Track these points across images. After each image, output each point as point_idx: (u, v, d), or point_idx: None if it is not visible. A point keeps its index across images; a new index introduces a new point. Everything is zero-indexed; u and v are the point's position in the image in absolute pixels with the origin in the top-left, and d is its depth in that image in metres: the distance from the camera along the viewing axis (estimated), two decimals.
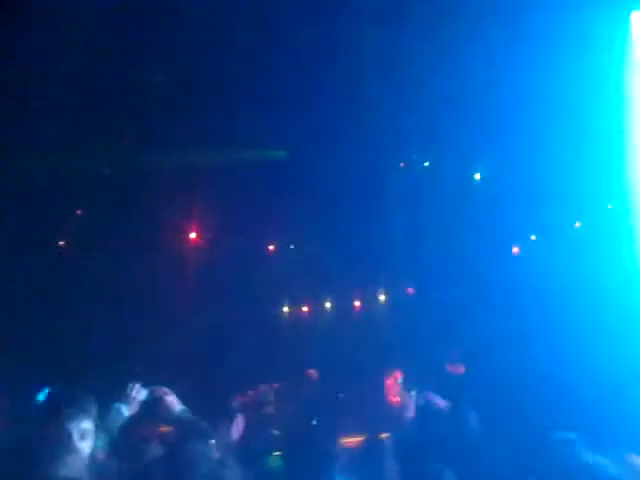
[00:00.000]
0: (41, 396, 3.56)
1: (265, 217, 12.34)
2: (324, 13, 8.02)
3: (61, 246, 12.11)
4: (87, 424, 3.01)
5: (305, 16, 8.02)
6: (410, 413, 5.09)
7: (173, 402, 3.78)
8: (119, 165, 10.93)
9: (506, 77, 8.75)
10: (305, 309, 14.76)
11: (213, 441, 3.51)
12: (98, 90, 8.85)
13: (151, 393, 3.81)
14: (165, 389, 3.83)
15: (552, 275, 10.80)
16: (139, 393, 3.56)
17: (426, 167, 11.59)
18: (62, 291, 11.00)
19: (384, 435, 8.45)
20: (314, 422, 8.79)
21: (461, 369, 12.08)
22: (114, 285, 11.39)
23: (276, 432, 6.67)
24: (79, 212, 11.82)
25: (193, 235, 12.42)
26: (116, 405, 3.44)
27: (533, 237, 13.07)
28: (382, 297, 14.53)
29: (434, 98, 9.25)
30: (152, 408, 3.80)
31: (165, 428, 4.09)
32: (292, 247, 13.65)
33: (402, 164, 11.54)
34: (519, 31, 8.01)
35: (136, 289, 11.45)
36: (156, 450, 3.40)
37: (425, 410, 4.83)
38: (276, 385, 8.59)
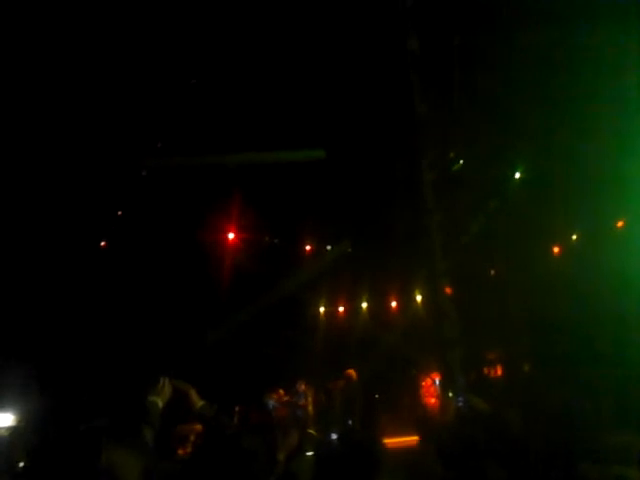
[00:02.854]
0: None
1: None
2: None
3: None
4: None
5: None
6: (451, 415, 4.98)
7: (196, 397, 3.81)
8: None
9: None
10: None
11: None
12: None
13: (176, 388, 3.85)
14: (188, 384, 3.87)
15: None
16: (168, 388, 3.59)
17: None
18: None
19: (421, 436, 8.37)
20: (350, 422, 8.78)
21: (499, 371, 11.93)
22: None
23: (312, 432, 6.62)
24: None
25: None
26: (153, 398, 3.48)
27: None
28: (419, 298, 14.43)
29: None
30: (178, 402, 3.86)
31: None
32: None
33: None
34: None
35: None
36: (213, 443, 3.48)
37: (466, 412, 4.73)
38: (311, 386, 8.58)
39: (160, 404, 3.53)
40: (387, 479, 3.66)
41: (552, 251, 13.26)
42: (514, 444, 3.69)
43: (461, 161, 11.09)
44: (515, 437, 3.80)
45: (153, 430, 3.38)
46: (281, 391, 8.83)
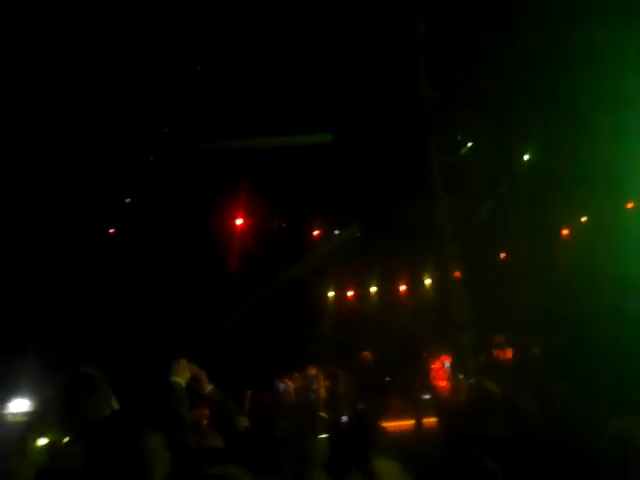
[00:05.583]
0: None
1: None
2: None
3: None
4: None
5: None
6: (463, 397, 4.98)
7: (206, 381, 3.85)
8: None
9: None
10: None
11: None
12: None
13: (190, 370, 3.89)
14: (199, 368, 3.90)
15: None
16: (187, 368, 3.63)
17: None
18: None
19: (432, 419, 8.42)
20: (361, 406, 8.83)
21: (509, 353, 11.93)
22: None
23: (323, 415, 6.67)
24: None
25: None
26: (176, 378, 3.53)
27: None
28: (428, 282, 14.44)
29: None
30: (188, 386, 3.90)
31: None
32: None
33: None
34: None
35: None
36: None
37: (478, 394, 4.73)
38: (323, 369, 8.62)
39: (183, 384, 3.58)
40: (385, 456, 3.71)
41: (561, 234, 13.22)
42: (528, 429, 3.70)
43: (469, 144, 11.03)
44: (529, 422, 3.80)
45: (186, 407, 3.45)
46: (296, 375, 8.90)
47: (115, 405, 3.35)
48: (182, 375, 3.60)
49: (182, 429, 3.28)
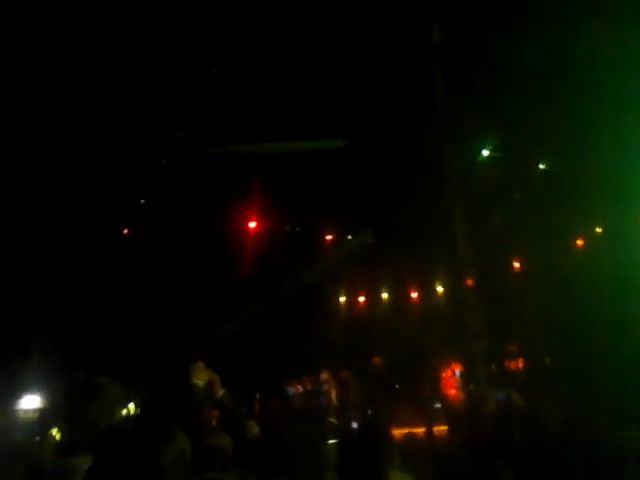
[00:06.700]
0: None
1: None
2: None
3: None
4: None
5: None
6: (489, 409, 4.90)
7: (219, 385, 3.87)
8: None
9: None
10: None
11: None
12: None
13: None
14: (213, 372, 3.91)
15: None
16: (204, 371, 3.67)
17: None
18: None
19: (442, 428, 8.37)
20: (369, 412, 8.80)
21: (520, 364, 11.84)
22: None
23: (332, 420, 6.66)
24: None
25: None
26: (195, 380, 3.56)
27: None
28: (440, 289, 14.38)
29: None
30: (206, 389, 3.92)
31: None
32: None
33: None
34: None
35: None
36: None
37: (506, 408, 4.67)
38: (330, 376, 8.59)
39: (202, 386, 3.61)
40: (398, 467, 3.69)
41: (575, 244, 13.14)
42: (552, 441, 3.67)
43: (485, 151, 10.99)
44: (554, 435, 3.77)
45: (206, 410, 3.48)
46: (306, 379, 8.89)
47: (120, 413, 3.36)
48: (200, 378, 3.63)
49: (204, 431, 3.30)
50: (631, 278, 10.09)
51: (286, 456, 3.20)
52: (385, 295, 14.75)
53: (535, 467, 3.19)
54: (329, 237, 13.55)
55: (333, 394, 7.56)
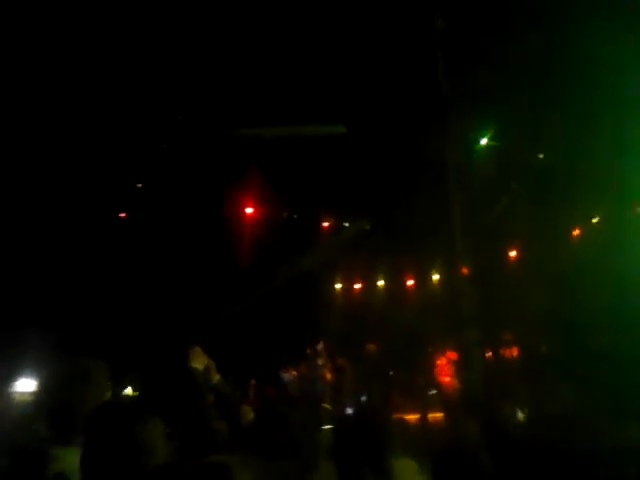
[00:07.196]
0: None
1: None
2: None
3: None
4: None
5: None
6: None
7: (214, 371, 3.89)
8: None
9: None
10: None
11: None
12: None
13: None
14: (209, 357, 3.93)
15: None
16: (202, 355, 3.69)
17: None
18: None
19: (437, 415, 8.44)
20: (363, 398, 8.84)
21: (514, 352, 11.91)
22: None
23: (327, 406, 6.68)
24: None
25: None
26: (194, 365, 3.58)
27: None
28: (436, 277, 14.42)
29: None
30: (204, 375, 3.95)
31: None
32: None
33: None
34: None
35: None
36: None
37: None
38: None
39: (201, 370, 3.63)
40: (399, 455, 3.70)
41: (572, 234, 13.16)
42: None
43: (484, 141, 10.97)
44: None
45: (206, 393, 3.49)
46: (302, 365, 8.91)
47: (107, 397, 3.35)
48: (199, 362, 3.65)
49: (205, 414, 3.32)
50: (628, 268, 10.13)
51: (292, 440, 3.20)
52: (381, 282, 14.78)
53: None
54: (326, 224, 13.56)
55: (328, 377, 7.59)
